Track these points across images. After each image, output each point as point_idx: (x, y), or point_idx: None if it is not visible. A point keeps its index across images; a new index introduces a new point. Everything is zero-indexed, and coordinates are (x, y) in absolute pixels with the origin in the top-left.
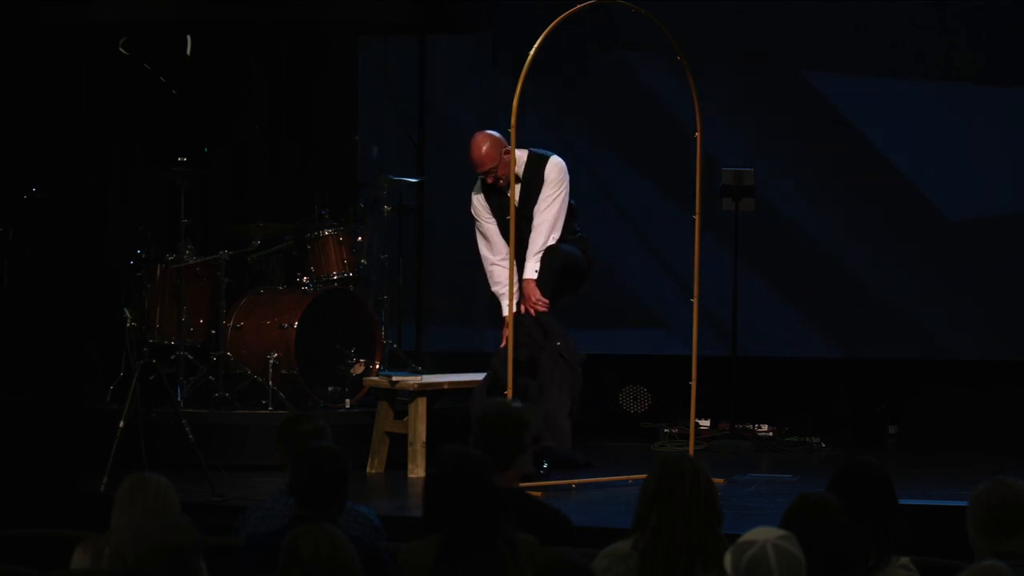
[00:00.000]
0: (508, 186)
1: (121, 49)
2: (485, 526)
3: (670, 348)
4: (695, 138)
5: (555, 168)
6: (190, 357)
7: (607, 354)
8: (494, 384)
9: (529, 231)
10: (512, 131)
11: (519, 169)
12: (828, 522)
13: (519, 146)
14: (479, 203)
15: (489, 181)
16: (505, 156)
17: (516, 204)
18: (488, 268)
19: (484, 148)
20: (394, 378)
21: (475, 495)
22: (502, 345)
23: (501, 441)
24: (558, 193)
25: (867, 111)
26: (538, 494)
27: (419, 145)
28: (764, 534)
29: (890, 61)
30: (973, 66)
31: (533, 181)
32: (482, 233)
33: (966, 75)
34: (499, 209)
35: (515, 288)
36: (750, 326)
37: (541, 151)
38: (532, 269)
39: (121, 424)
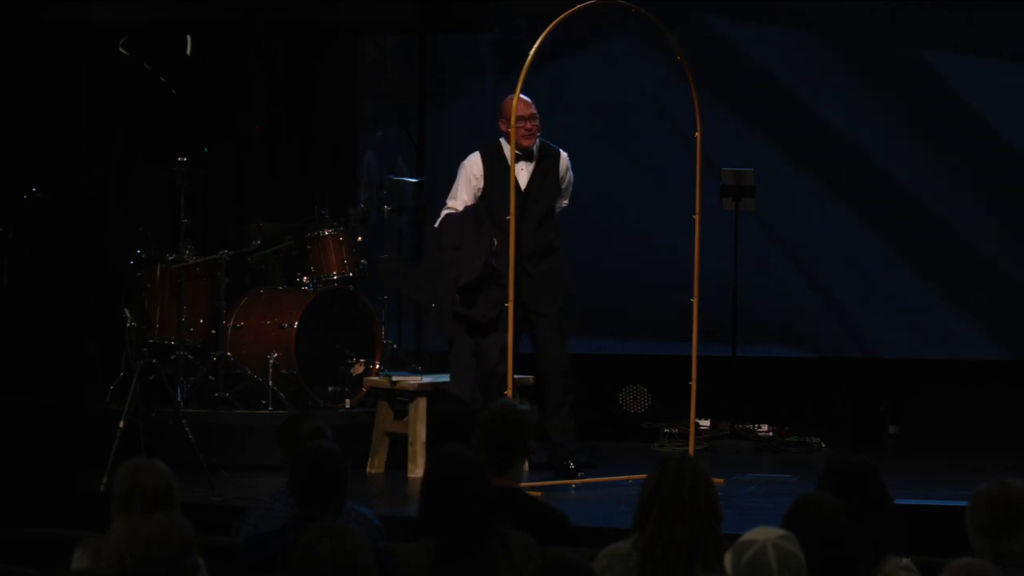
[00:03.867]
0: (527, 150)
1: (121, 49)
2: (478, 526)
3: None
4: (695, 138)
5: (568, 163)
6: (190, 357)
7: (606, 354)
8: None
9: (535, 206)
10: (512, 131)
11: (534, 149)
12: (828, 522)
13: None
14: (476, 167)
15: (523, 142)
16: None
17: (523, 184)
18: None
19: (525, 100)
20: (394, 378)
21: (468, 496)
22: None
23: (502, 441)
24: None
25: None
26: (538, 494)
27: (419, 145)
28: (764, 534)
29: None
30: None
31: (543, 167)
32: (464, 193)
33: None
34: (499, 184)
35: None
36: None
37: (549, 141)
38: None
39: (121, 424)
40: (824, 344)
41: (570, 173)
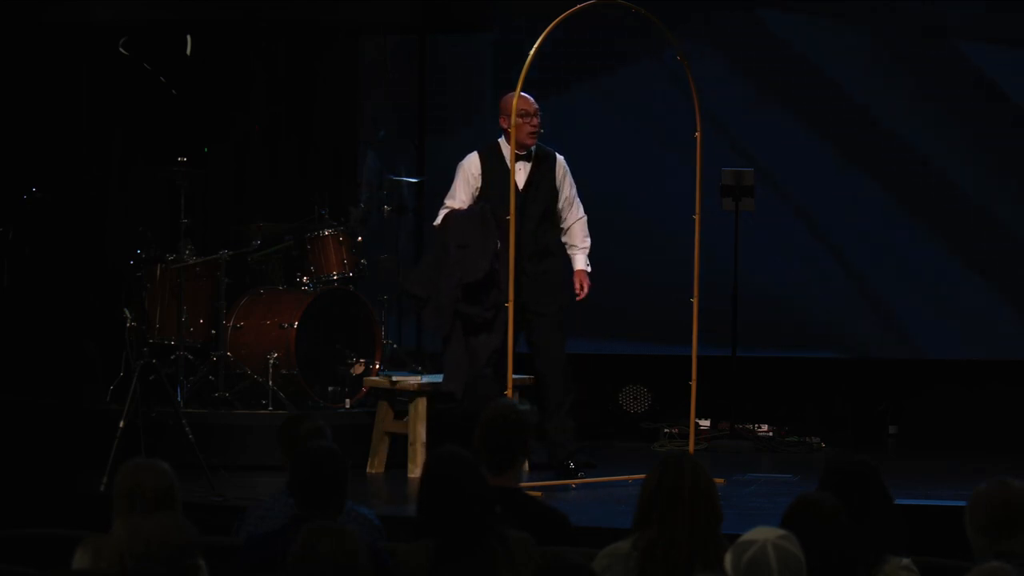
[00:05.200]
0: (527, 149)
1: (121, 49)
2: (477, 526)
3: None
4: (695, 138)
5: (566, 166)
6: (190, 357)
7: (606, 354)
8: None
9: (534, 206)
10: (512, 131)
11: (532, 151)
12: (828, 522)
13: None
14: (474, 167)
15: (526, 140)
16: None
17: (520, 186)
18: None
19: (527, 98)
20: (394, 378)
21: (468, 496)
22: None
23: (502, 441)
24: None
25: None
26: (538, 494)
27: (419, 145)
28: (764, 534)
29: None
30: None
31: (541, 168)
32: (463, 193)
33: None
34: (498, 184)
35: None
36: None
37: (545, 144)
38: (586, 263)
39: (121, 424)
40: (826, 344)
41: (569, 177)
